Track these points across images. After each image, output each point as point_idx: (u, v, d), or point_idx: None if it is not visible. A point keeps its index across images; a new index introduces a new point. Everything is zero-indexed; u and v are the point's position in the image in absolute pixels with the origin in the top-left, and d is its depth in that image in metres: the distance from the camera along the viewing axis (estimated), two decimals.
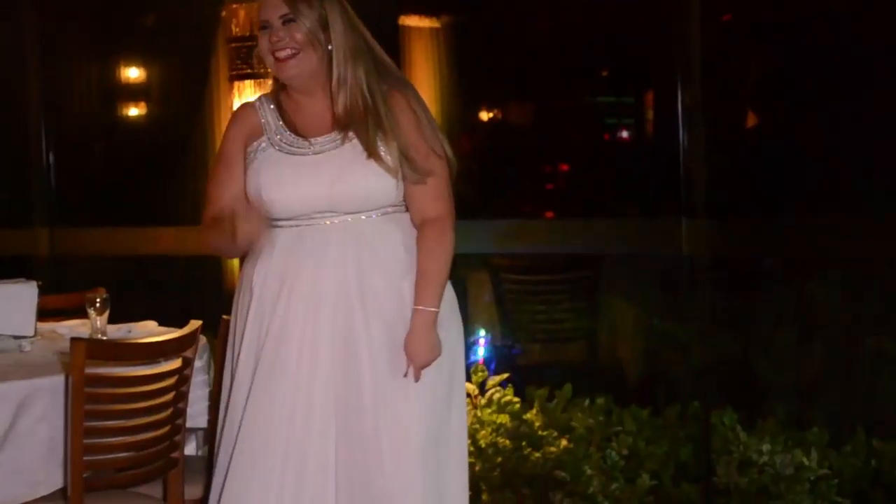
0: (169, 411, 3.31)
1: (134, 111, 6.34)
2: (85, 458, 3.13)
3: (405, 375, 2.93)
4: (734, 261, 4.92)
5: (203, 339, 3.63)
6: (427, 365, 2.94)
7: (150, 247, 5.80)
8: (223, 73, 5.46)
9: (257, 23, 3.00)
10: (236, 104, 4.89)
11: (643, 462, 4.65)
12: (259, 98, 3.11)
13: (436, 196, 2.99)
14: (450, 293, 3.05)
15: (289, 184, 2.95)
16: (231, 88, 4.91)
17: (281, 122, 3.03)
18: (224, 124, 5.61)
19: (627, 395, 4.96)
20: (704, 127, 4.80)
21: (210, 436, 3.58)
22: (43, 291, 4.00)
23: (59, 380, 3.27)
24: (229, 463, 2.96)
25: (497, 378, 4.89)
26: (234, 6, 4.88)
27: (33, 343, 3.77)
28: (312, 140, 2.98)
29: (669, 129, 4.97)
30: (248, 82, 4.86)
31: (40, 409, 3.24)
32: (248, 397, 2.97)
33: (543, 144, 7.91)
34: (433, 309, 2.94)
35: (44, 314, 4.09)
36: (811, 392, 4.92)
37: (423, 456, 2.92)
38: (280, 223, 3.01)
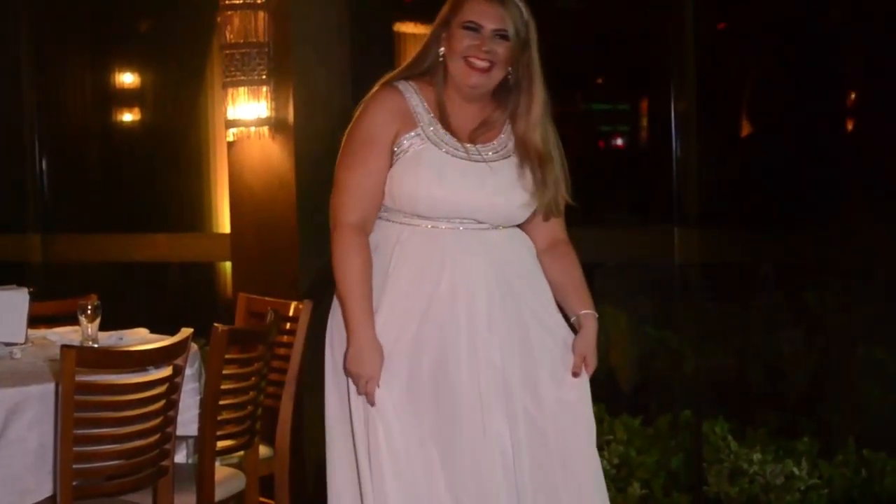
0: (159, 419, 3.30)
1: (128, 117, 6.34)
2: (75, 465, 3.12)
3: (577, 376, 2.99)
4: (726, 269, 4.92)
5: (194, 347, 3.62)
6: (595, 364, 3.03)
7: (143, 253, 5.80)
8: (217, 80, 5.47)
9: (457, 18, 2.92)
10: (230, 111, 4.88)
11: (634, 471, 4.65)
12: (400, 82, 2.99)
13: (563, 223, 3.08)
14: None
15: (454, 184, 2.90)
16: (225, 95, 4.91)
17: (432, 115, 2.96)
18: (217, 132, 5.65)
19: (619, 404, 4.96)
20: (697, 135, 4.80)
21: (201, 444, 3.58)
22: (35, 297, 4.00)
23: (49, 387, 3.27)
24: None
25: None
26: (229, 13, 4.87)
27: (24, 350, 3.76)
28: (470, 145, 2.95)
29: (663, 138, 4.98)
30: (241, 89, 4.85)
31: (30, 416, 3.24)
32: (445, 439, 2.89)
33: None
34: (594, 311, 3.03)
35: (35, 320, 4.08)
36: (803, 401, 4.93)
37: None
38: (409, 221, 2.95)
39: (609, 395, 5.08)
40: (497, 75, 2.91)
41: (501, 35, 2.88)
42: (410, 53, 2.95)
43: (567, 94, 8.06)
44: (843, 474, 4.41)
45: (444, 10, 2.95)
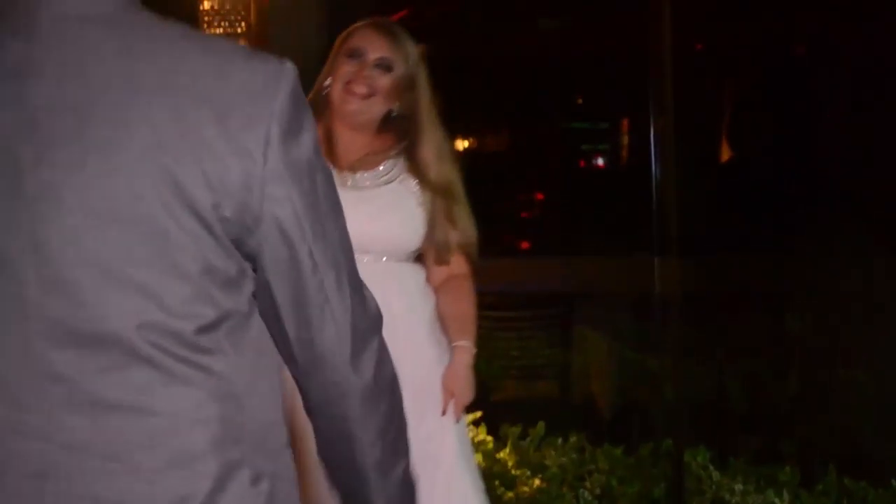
0: None
1: None
2: None
3: (443, 414, 2.88)
4: (706, 299, 4.94)
5: None
6: (466, 403, 2.90)
7: None
8: None
9: (344, 46, 2.93)
10: None
11: (616, 501, 4.63)
12: None
13: (460, 257, 3.01)
14: None
15: None
16: None
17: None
18: None
19: (601, 433, 4.96)
20: (677, 158, 4.81)
21: None
22: None
23: None
24: None
25: (470, 417, 4.87)
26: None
27: None
28: (347, 173, 2.91)
29: (642, 162, 4.99)
30: None
31: None
32: None
33: (519, 173, 7.94)
34: (473, 345, 2.92)
35: None
36: (784, 427, 4.94)
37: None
38: None
39: (590, 423, 5.09)
40: (377, 105, 2.90)
41: (384, 66, 2.88)
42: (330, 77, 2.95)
43: (547, 114, 8.11)
44: None
45: (337, 41, 2.97)
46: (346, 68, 2.89)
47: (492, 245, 6.82)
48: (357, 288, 1.48)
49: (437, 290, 2.99)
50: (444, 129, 2.99)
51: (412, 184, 2.94)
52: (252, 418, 1.43)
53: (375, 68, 2.88)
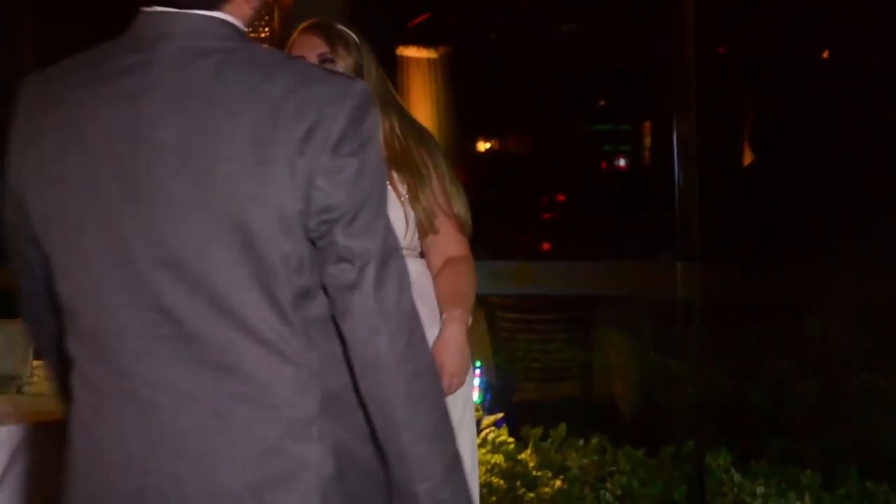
0: None
1: None
2: None
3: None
4: (729, 303, 4.94)
5: None
6: (459, 374, 2.84)
7: None
8: None
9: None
10: None
11: (637, 503, 4.65)
12: None
13: (457, 238, 2.98)
14: None
15: None
16: None
17: None
18: None
19: (622, 434, 4.97)
20: (699, 163, 4.82)
21: None
22: None
23: (54, 424, 3.28)
24: None
25: (492, 418, 4.90)
26: None
27: (29, 384, 3.77)
28: None
29: (664, 164, 5.00)
30: None
31: (35, 454, 3.25)
32: None
33: (541, 174, 7.95)
34: (465, 317, 2.87)
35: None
36: (806, 430, 4.94)
37: None
38: None
39: (612, 425, 5.10)
40: None
41: (327, 60, 2.89)
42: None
43: (570, 116, 8.12)
44: None
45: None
46: None
47: (514, 246, 6.86)
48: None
49: (436, 274, 2.97)
50: (404, 110, 3.00)
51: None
52: (323, 384, 1.73)
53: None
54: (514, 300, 5.34)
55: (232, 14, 1.77)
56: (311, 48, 2.92)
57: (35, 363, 3.93)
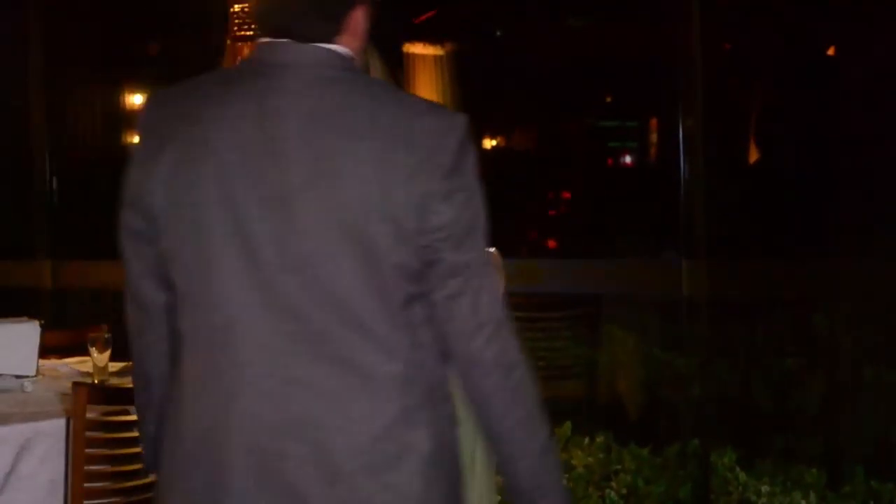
0: None
1: (137, 139, 6.35)
2: (86, 502, 3.15)
3: None
4: (734, 301, 4.94)
5: None
6: None
7: None
8: None
9: None
10: None
11: (642, 501, 4.65)
12: None
13: None
14: None
15: None
16: None
17: None
18: None
19: (627, 433, 4.97)
20: (705, 159, 4.81)
21: None
22: (46, 323, 4.03)
23: (60, 423, 3.29)
24: None
25: None
26: (240, 44, 4.89)
27: (35, 382, 3.78)
28: None
29: (670, 161, 4.99)
30: None
31: (41, 452, 3.26)
32: None
33: (547, 171, 7.95)
34: None
35: (46, 350, 4.10)
36: (811, 428, 4.94)
37: None
38: None
39: (617, 423, 5.10)
40: None
41: None
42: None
43: (576, 112, 8.11)
44: None
45: None
46: None
47: (519, 243, 6.85)
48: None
49: None
50: None
51: None
52: (425, 378, 1.97)
53: None
54: (519, 298, 5.33)
55: (345, 46, 2.00)
56: None
57: (41, 362, 3.95)
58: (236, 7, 4.85)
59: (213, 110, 1.96)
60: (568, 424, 4.86)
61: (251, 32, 4.84)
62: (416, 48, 6.35)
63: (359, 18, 2.03)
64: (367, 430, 1.93)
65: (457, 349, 1.98)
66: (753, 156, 5.45)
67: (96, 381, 3.70)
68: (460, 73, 6.46)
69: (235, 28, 4.86)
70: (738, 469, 4.54)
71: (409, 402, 1.95)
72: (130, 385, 3.37)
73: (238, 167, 1.93)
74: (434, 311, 1.97)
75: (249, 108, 1.94)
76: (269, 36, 2.00)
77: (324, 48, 1.97)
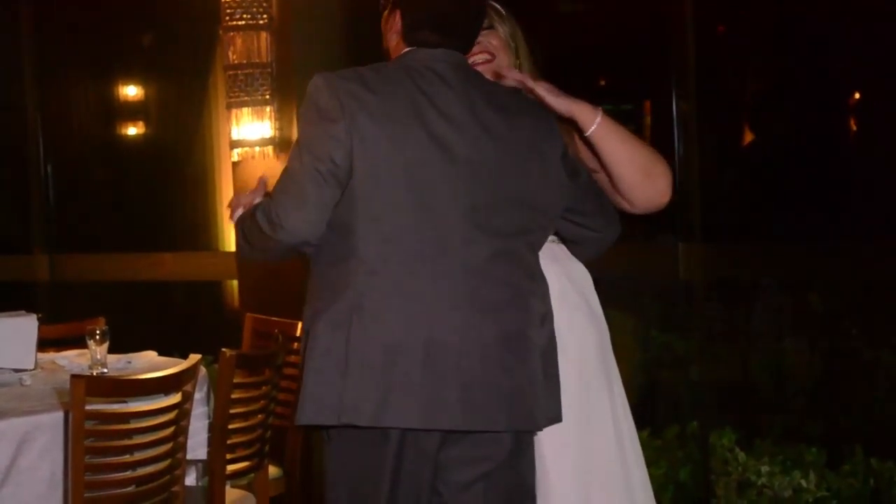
0: (169, 445, 3.32)
1: (133, 137, 6.36)
2: (86, 494, 3.15)
3: None
4: (731, 284, 4.94)
5: (203, 371, 3.64)
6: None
7: (149, 272, 5.81)
8: (221, 100, 5.48)
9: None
10: (234, 132, 4.90)
11: None
12: None
13: None
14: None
15: None
16: (229, 116, 4.92)
17: None
18: (223, 150, 5.67)
19: None
20: (699, 142, 4.81)
21: (211, 467, 3.60)
22: (44, 316, 4.03)
23: (59, 416, 3.29)
24: None
25: None
26: (232, 34, 4.88)
27: (34, 376, 3.78)
28: None
29: (665, 145, 4.99)
30: (245, 110, 4.87)
31: (41, 445, 3.26)
32: None
33: None
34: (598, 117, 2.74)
35: (44, 343, 4.11)
36: (810, 408, 4.94)
37: None
38: None
39: None
40: (504, 64, 2.84)
41: (487, 27, 2.84)
42: None
43: (570, 96, 8.10)
44: (851, 485, 4.42)
45: None
46: None
47: None
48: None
49: None
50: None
51: None
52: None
53: (481, 33, 2.80)
54: None
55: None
56: None
57: (39, 355, 3.95)
58: None
59: (401, 92, 2.54)
60: None
61: (242, 22, 4.84)
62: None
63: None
64: (509, 329, 2.58)
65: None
66: (748, 138, 5.45)
67: (94, 374, 3.70)
68: None
69: (227, 18, 4.87)
70: (737, 450, 4.55)
71: (537, 311, 2.62)
72: (129, 377, 3.38)
73: (431, 137, 2.52)
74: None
75: (429, 97, 2.56)
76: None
77: (462, 56, 2.66)
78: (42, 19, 6.10)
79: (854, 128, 5.13)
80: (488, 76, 2.80)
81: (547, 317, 2.59)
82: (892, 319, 4.73)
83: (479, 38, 2.81)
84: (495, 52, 2.86)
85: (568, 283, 2.83)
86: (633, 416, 4.52)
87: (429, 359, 2.43)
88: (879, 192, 4.78)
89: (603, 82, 8.98)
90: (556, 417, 2.59)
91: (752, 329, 5.10)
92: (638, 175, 2.71)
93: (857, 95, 5.12)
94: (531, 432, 2.61)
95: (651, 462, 4.69)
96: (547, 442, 2.70)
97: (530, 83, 2.68)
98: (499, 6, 2.91)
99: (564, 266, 2.84)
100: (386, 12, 2.70)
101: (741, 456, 4.52)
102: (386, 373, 2.42)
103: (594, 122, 2.68)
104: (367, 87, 2.50)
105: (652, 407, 5.13)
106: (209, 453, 3.65)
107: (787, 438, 4.71)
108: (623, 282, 5.23)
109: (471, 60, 2.78)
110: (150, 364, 3.91)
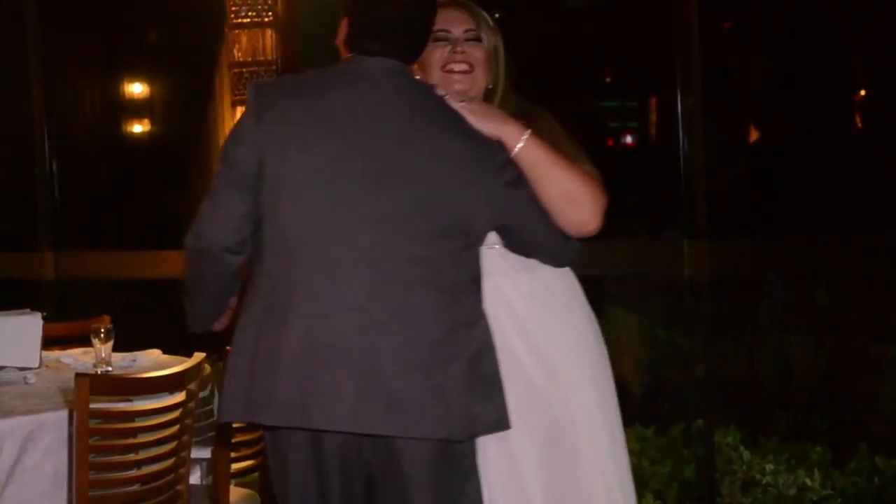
0: (174, 444, 3.32)
1: (139, 135, 6.36)
2: (90, 492, 3.15)
3: None
4: (736, 280, 4.93)
5: (207, 369, 3.64)
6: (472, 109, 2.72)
7: (154, 270, 5.80)
8: (226, 97, 5.47)
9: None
10: None
11: (647, 482, 4.66)
12: None
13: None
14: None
15: None
16: (234, 114, 4.92)
17: None
18: None
19: (631, 413, 4.97)
20: (705, 139, 4.80)
21: (215, 466, 3.60)
22: (49, 314, 4.03)
23: (63, 414, 3.29)
24: None
25: None
26: (237, 31, 4.88)
27: (38, 374, 3.79)
28: None
29: (670, 141, 4.98)
30: None
31: (45, 444, 3.26)
32: None
33: None
34: (524, 136, 2.67)
35: (48, 342, 4.11)
36: (815, 406, 4.94)
37: None
38: None
39: (621, 404, 5.09)
40: (480, 79, 2.84)
41: (473, 38, 2.83)
42: (419, 69, 2.90)
43: (575, 93, 8.09)
44: (855, 483, 4.42)
45: None
46: (438, 53, 2.82)
47: None
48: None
49: None
50: (519, 98, 2.91)
51: None
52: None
53: (466, 43, 2.83)
54: None
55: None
56: (457, 23, 2.84)
57: (43, 353, 3.95)
58: None
59: (323, 100, 2.57)
60: None
61: (247, 20, 4.84)
62: None
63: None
64: (432, 334, 2.56)
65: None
66: (753, 135, 5.44)
67: (99, 372, 3.70)
68: None
69: (233, 16, 4.87)
70: (742, 448, 4.55)
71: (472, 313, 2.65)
72: (133, 375, 3.38)
73: (353, 143, 2.53)
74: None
75: (354, 102, 2.57)
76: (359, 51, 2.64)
77: (401, 64, 2.64)
78: (47, 17, 6.09)
79: (859, 123, 5.12)
80: (464, 86, 2.80)
81: (476, 325, 2.54)
82: None
83: (465, 48, 2.82)
84: (475, 65, 2.84)
85: (543, 291, 2.81)
86: (639, 414, 4.54)
87: (332, 362, 2.44)
88: (885, 187, 4.77)
89: (609, 78, 8.98)
90: (493, 425, 2.55)
91: (757, 326, 5.10)
92: (560, 201, 2.66)
93: (862, 91, 5.12)
94: (463, 441, 2.53)
95: (656, 460, 4.71)
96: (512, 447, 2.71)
97: (454, 105, 2.65)
98: (488, 17, 2.89)
99: (537, 273, 2.80)
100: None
101: (746, 454, 4.52)
102: (291, 374, 2.45)
103: (517, 145, 2.64)
104: (288, 94, 2.54)
105: (657, 404, 5.13)
106: (213, 452, 3.65)
107: (792, 436, 4.70)
108: (628, 279, 5.24)
109: (449, 68, 2.81)
110: (154, 362, 3.91)
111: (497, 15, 2.91)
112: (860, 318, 4.95)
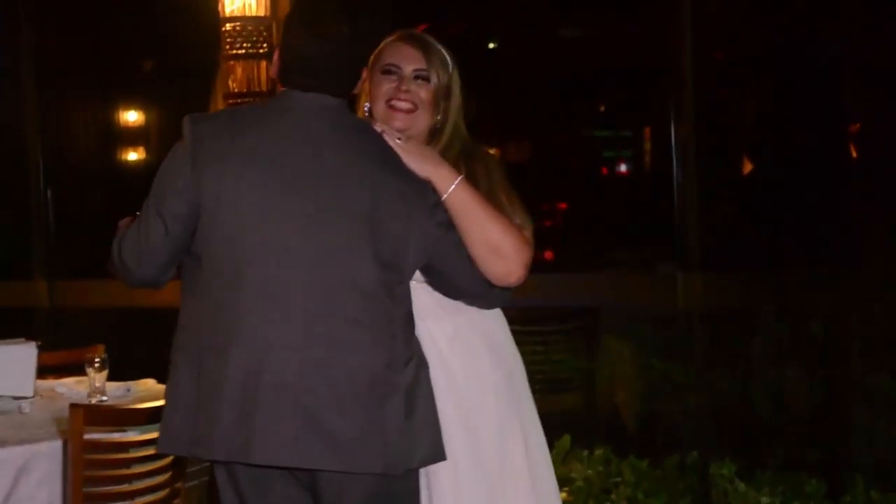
0: (168, 475, 3.31)
1: (133, 161, 6.36)
2: None
3: None
4: (730, 314, 4.94)
5: None
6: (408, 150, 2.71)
7: (149, 299, 5.78)
8: None
9: (377, 64, 2.85)
10: None
11: None
12: None
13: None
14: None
15: None
16: None
17: None
18: None
19: (626, 445, 4.97)
20: (698, 170, 4.81)
21: (212, 494, 3.59)
22: (43, 343, 4.02)
23: (57, 444, 3.28)
24: None
25: None
26: (232, 62, 4.90)
27: (32, 404, 3.77)
28: None
29: (664, 171, 4.99)
30: None
31: (39, 474, 3.25)
32: None
33: (542, 182, 7.95)
34: (455, 181, 2.69)
35: (43, 370, 4.09)
36: (810, 438, 4.94)
37: None
38: None
39: (616, 436, 5.09)
40: (423, 118, 2.84)
41: (422, 77, 2.83)
42: (366, 97, 2.92)
43: (570, 122, 8.11)
44: None
45: (370, 59, 2.86)
46: (385, 86, 2.84)
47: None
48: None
49: None
50: (468, 137, 2.90)
51: None
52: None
53: (414, 81, 2.83)
54: (516, 311, 5.32)
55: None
56: (408, 60, 2.85)
57: (38, 382, 3.94)
58: (228, 26, 4.87)
59: (254, 136, 2.55)
60: (567, 437, 4.85)
61: (242, 51, 4.86)
62: None
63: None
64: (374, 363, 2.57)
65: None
66: (747, 167, 5.46)
67: (93, 402, 3.69)
68: None
69: (228, 47, 4.88)
70: (737, 480, 4.53)
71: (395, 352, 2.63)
72: (128, 406, 3.37)
73: (290, 181, 2.53)
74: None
75: (285, 139, 2.56)
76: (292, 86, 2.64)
77: (337, 100, 2.62)
78: (43, 44, 6.11)
79: (854, 156, 5.14)
80: (404, 124, 2.80)
81: (412, 360, 2.56)
82: (892, 347, 4.72)
83: (411, 87, 2.82)
84: (419, 105, 2.83)
85: (468, 331, 2.80)
86: (634, 445, 4.54)
87: (271, 398, 2.45)
88: (878, 219, 4.78)
89: (602, 108, 9.01)
90: (429, 458, 2.58)
91: (751, 357, 5.10)
92: (483, 250, 2.66)
93: (856, 122, 5.14)
94: (398, 476, 2.54)
95: (651, 493, 4.70)
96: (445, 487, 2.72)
97: (391, 142, 2.66)
98: (445, 52, 2.88)
99: (466, 315, 2.80)
100: None
101: (741, 486, 4.51)
102: (232, 410, 2.46)
103: (447, 190, 2.65)
104: (223, 130, 2.53)
105: (652, 436, 5.13)
106: (208, 482, 3.64)
107: (787, 468, 4.70)
108: (622, 310, 5.24)
109: (392, 104, 2.81)
110: (149, 392, 3.90)
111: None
112: (854, 351, 4.95)
